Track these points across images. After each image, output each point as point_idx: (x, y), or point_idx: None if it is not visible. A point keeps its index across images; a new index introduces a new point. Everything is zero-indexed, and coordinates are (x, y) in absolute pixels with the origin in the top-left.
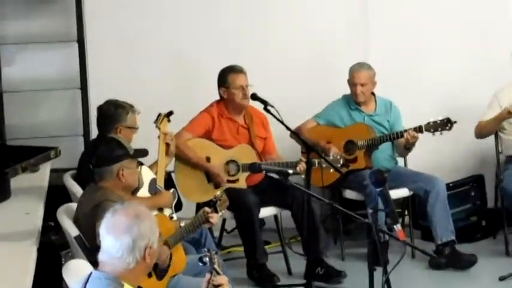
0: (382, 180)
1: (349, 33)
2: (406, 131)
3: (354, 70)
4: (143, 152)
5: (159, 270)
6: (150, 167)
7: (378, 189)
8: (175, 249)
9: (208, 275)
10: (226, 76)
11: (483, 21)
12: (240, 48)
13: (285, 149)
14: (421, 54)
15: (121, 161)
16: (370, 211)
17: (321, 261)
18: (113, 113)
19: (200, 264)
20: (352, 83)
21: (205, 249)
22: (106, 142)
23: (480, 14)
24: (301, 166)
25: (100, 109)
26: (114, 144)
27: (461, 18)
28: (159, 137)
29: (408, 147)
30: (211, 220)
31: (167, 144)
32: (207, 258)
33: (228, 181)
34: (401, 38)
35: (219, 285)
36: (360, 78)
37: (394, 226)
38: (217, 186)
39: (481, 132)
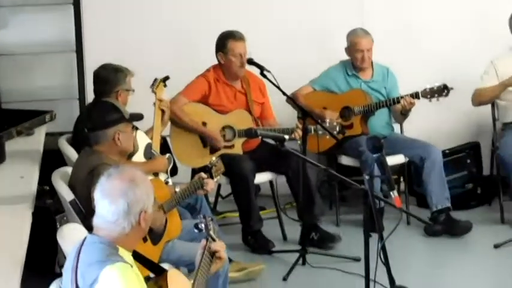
0: (379, 147)
1: (346, 1)
2: (402, 97)
3: (359, 36)
4: (138, 116)
5: (154, 236)
6: (146, 132)
7: (374, 156)
8: (170, 214)
9: (203, 242)
10: (225, 42)
11: None
12: (237, 13)
13: (281, 114)
14: (420, 21)
15: (117, 125)
16: (366, 177)
17: (316, 227)
18: (113, 76)
19: (196, 231)
20: (356, 49)
21: (201, 216)
22: (101, 106)
23: None
24: (297, 134)
25: (98, 73)
26: (109, 108)
27: None
28: (154, 103)
29: (405, 113)
30: (205, 187)
31: (162, 111)
32: (203, 225)
33: (224, 147)
34: (399, 4)
35: (215, 252)
36: (366, 44)
37: (391, 193)
38: (213, 151)
39: (481, 99)
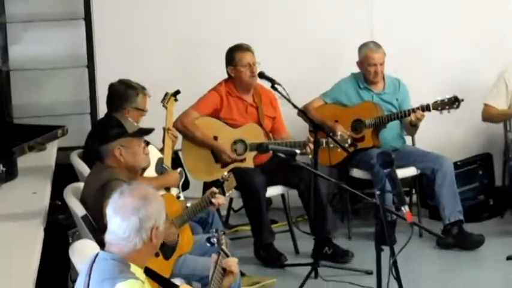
0: (390, 162)
1: (356, 10)
2: (414, 110)
3: (372, 50)
4: (146, 131)
5: (166, 251)
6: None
7: (385, 171)
8: (182, 229)
9: (215, 256)
10: (233, 54)
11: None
12: (248, 27)
13: (293, 127)
14: (429, 32)
15: (117, 140)
16: (377, 192)
17: (329, 241)
18: (123, 93)
19: (208, 245)
20: (369, 63)
21: (213, 230)
22: (105, 121)
23: None
24: (309, 148)
25: (111, 87)
26: (111, 123)
27: None
28: (164, 128)
29: (414, 124)
30: (214, 201)
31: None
32: (215, 239)
33: (235, 160)
34: (407, 16)
35: (227, 267)
36: (379, 58)
37: (402, 208)
38: (224, 165)
39: (491, 120)
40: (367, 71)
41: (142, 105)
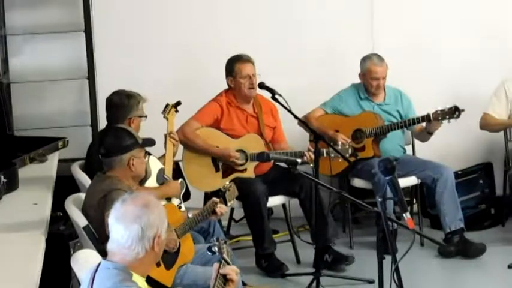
0: (391, 169)
1: (356, 22)
2: (414, 121)
3: (375, 64)
4: (151, 141)
5: (167, 260)
6: (158, 159)
7: (387, 178)
8: (184, 238)
9: (216, 265)
10: (233, 65)
11: (489, 8)
12: (248, 38)
13: (293, 137)
14: (429, 40)
15: (131, 150)
16: (379, 200)
17: (329, 248)
18: (127, 103)
19: (209, 253)
20: (372, 77)
21: (214, 239)
22: (115, 132)
23: (486, 2)
24: (309, 156)
25: (111, 100)
26: (124, 134)
27: (467, 5)
28: (165, 135)
29: (431, 132)
30: (216, 210)
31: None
32: (216, 248)
33: (237, 170)
34: (409, 25)
35: (227, 275)
36: (382, 72)
37: (404, 215)
38: (225, 175)
39: (488, 128)
40: (369, 84)
41: (143, 111)
